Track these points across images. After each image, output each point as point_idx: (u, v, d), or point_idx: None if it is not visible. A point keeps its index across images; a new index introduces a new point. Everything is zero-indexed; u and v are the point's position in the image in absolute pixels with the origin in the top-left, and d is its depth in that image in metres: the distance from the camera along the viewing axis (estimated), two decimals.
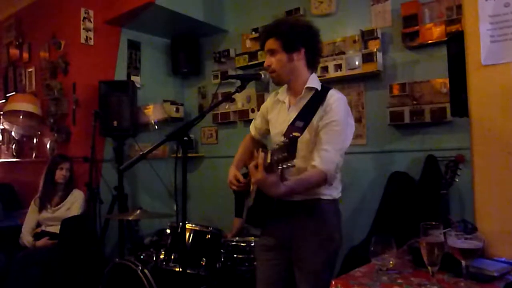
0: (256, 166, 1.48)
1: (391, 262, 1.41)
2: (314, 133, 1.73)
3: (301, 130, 1.67)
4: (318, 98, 1.78)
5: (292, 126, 1.68)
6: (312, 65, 1.88)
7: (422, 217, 1.36)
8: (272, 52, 1.80)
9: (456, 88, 1.91)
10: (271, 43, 1.80)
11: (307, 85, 1.82)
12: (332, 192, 1.83)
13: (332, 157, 1.67)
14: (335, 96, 1.77)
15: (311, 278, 1.76)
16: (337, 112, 1.72)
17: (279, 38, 1.78)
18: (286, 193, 1.58)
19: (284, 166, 1.36)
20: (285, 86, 1.92)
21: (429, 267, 1.28)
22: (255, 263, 2.42)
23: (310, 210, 1.80)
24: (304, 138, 1.71)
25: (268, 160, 1.42)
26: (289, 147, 1.32)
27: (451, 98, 2.10)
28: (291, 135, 1.34)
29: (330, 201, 1.83)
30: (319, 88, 1.82)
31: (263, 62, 3.98)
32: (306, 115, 1.74)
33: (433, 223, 1.29)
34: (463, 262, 1.26)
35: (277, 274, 1.87)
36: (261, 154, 1.48)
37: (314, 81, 1.84)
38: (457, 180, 1.94)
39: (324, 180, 1.66)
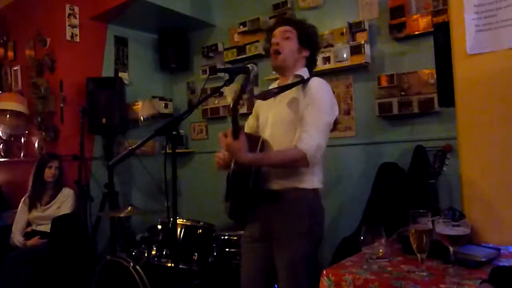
0: (226, 136, 1.66)
1: (381, 250, 1.43)
2: (296, 114, 1.79)
3: (274, 95, 1.82)
4: (301, 81, 1.87)
5: (266, 91, 1.77)
6: (309, 68, 1.98)
7: (411, 207, 1.37)
8: (286, 37, 1.90)
9: (443, 78, 1.93)
10: (288, 29, 1.91)
11: (295, 73, 1.91)
12: (313, 180, 1.84)
13: (314, 137, 1.71)
14: (316, 80, 1.87)
15: (289, 269, 1.76)
16: (317, 91, 1.81)
17: (297, 29, 1.92)
18: (253, 160, 1.71)
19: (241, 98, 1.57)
20: (278, 81, 2.02)
21: (418, 254, 1.30)
22: None
23: (288, 199, 1.80)
24: (287, 119, 1.82)
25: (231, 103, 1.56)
26: (243, 82, 1.51)
27: (439, 89, 2.12)
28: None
29: (309, 191, 1.83)
30: (305, 77, 1.90)
31: (252, 56, 3.97)
32: (283, 87, 1.85)
33: (422, 211, 1.31)
34: (451, 249, 1.28)
35: (259, 267, 1.88)
36: (230, 129, 1.64)
37: (303, 72, 1.93)
38: (445, 169, 1.95)
39: (304, 159, 1.69)
